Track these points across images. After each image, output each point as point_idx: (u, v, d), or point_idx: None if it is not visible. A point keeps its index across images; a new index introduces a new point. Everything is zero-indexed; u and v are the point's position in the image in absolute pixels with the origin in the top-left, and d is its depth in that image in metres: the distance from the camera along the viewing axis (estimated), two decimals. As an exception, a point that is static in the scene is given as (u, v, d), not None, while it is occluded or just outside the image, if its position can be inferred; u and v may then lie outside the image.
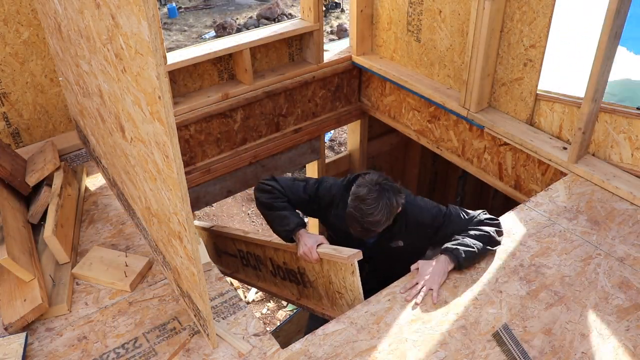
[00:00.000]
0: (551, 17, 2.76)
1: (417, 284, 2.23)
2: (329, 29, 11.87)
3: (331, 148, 7.80)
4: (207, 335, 1.99)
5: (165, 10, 12.84)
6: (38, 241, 2.44)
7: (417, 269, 2.30)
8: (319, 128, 4.13)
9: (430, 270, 2.25)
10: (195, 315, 2.04)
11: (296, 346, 2.02)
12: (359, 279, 2.25)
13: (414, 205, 2.41)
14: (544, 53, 2.86)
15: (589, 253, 2.40)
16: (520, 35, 2.92)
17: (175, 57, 3.29)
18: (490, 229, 2.34)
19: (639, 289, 2.22)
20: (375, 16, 3.80)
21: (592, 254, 2.39)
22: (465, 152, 3.53)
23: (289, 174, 7.07)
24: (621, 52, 2.90)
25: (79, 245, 2.51)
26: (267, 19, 12.43)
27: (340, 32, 11.51)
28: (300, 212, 2.57)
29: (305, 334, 2.14)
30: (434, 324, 2.09)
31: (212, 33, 11.95)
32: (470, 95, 3.20)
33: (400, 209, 2.31)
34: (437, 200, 2.59)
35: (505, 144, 3.19)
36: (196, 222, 4.42)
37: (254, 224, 6.73)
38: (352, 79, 4.12)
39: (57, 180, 2.60)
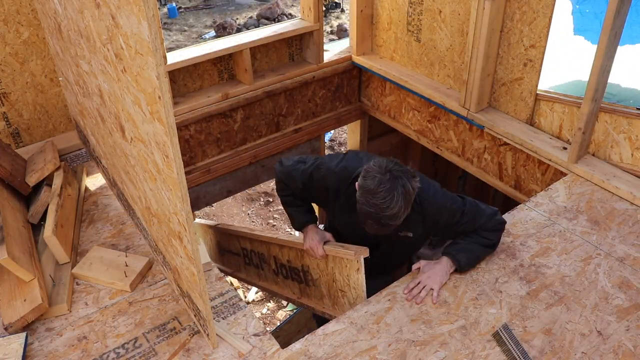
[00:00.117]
0: (551, 17, 2.76)
1: (419, 283, 2.23)
2: (329, 29, 11.88)
3: (331, 148, 7.80)
4: (207, 335, 1.99)
5: (165, 10, 12.84)
6: (38, 241, 2.44)
7: (419, 268, 2.30)
8: (319, 128, 4.13)
9: (432, 270, 2.25)
10: (195, 315, 2.04)
11: (296, 346, 2.02)
12: (364, 276, 2.25)
13: (433, 202, 2.21)
14: (544, 53, 2.86)
15: (589, 253, 2.40)
16: (520, 35, 2.92)
17: (175, 57, 3.29)
18: (498, 236, 2.32)
19: (639, 289, 2.22)
20: (375, 16, 3.80)
21: (592, 254, 2.39)
22: (465, 152, 3.53)
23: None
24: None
25: (79, 245, 2.51)
26: (267, 19, 12.43)
27: (340, 32, 11.51)
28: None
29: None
30: (434, 324, 2.09)
31: (212, 33, 11.96)
32: (470, 95, 3.20)
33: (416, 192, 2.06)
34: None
35: (505, 144, 3.19)
36: (201, 220, 4.44)
37: (254, 223, 6.73)
38: (352, 79, 4.12)
39: (57, 180, 2.60)
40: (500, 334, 2.04)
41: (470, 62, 3.10)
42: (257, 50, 3.62)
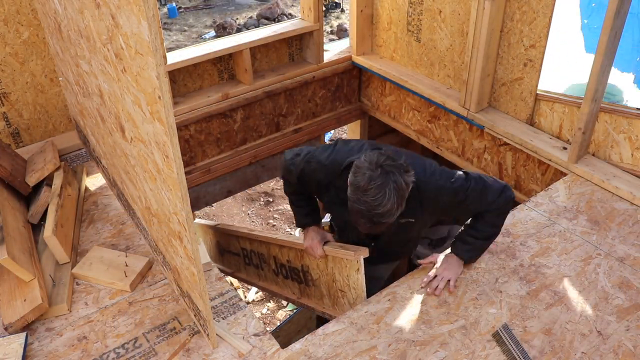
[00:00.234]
0: (551, 17, 2.76)
1: (436, 275, 2.24)
2: (329, 29, 11.87)
3: (331, 148, 7.78)
4: (207, 335, 1.99)
5: (165, 10, 12.83)
6: (38, 241, 2.44)
7: (432, 262, 2.32)
8: (319, 128, 4.13)
9: (447, 262, 2.27)
10: (195, 315, 2.04)
11: (296, 346, 2.02)
12: (364, 276, 2.25)
13: (430, 183, 2.07)
14: (544, 53, 2.87)
15: (589, 253, 2.40)
16: (520, 35, 2.92)
17: (175, 57, 3.29)
18: (504, 221, 2.25)
19: (639, 289, 2.22)
20: (375, 16, 3.80)
21: (592, 254, 2.39)
22: (465, 152, 3.52)
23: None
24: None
25: (79, 245, 2.51)
26: (267, 19, 12.43)
27: (340, 32, 11.51)
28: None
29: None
30: (434, 324, 2.09)
31: (212, 33, 11.95)
32: (470, 95, 3.20)
33: (410, 187, 1.94)
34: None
35: (505, 144, 3.19)
36: (201, 221, 4.44)
37: (254, 223, 6.73)
38: (352, 79, 4.12)
39: (57, 180, 2.60)
40: (500, 334, 2.04)
41: (470, 62, 3.10)
42: (257, 50, 3.62)
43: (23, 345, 1.97)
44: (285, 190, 2.51)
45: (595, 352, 1.97)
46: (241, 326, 2.11)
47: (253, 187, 5.44)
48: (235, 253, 3.40)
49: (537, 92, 3.00)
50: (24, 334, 2.02)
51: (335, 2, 13.12)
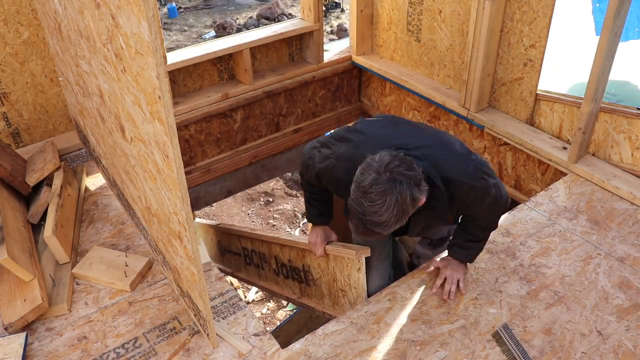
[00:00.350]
0: (551, 17, 2.75)
1: (446, 278, 2.22)
2: (329, 29, 11.87)
3: (331, 148, 7.78)
4: (207, 335, 1.99)
5: (165, 10, 12.83)
6: (38, 241, 2.44)
7: (438, 267, 2.28)
8: (319, 128, 4.12)
9: (452, 264, 2.24)
10: (195, 315, 2.04)
11: (296, 346, 2.02)
12: (365, 276, 2.25)
13: (461, 182, 1.88)
14: (544, 53, 2.87)
15: (589, 253, 2.40)
16: (520, 35, 2.92)
17: (175, 57, 3.29)
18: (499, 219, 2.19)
19: (639, 289, 2.22)
20: (375, 16, 3.80)
21: (592, 254, 2.39)
22: (465, 152, 3.52)
23: (289, 174, 7.08)
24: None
25: (79, 245, 2.51)
26: (267, 19, 12.42)
27: (340, 32, 11.50)
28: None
29: None
30: (434, 324, 2.09)
31: (212, 33, 11.95)
32: (470, 95, 3.20)
33: (423, 200, 1.78)
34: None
35: (505, 143, 3.19)
36: (203, 220, 4.45)
37: (254, 223, 6.73)
38: (352, 79, 4.12)
39: (57, 180, 2.60)
40: (500, 334, 2.04)
41: (470, 62, 3.10)
42: (257, 50, 3.62)
43: (23, 345, 1.97)
44: (301, 183, 2.38)
45: (595, 352, 1.97)
46: (241, 326, 2.11)
47: (253, 187, 5.45)
48: (236, 253, 3.40)
49: (537, 92, 3.00)
50: (24, 333, 2.02)
51: (335, 2, 13.12)
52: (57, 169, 2.70)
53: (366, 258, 2.26)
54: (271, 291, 3.15)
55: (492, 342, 2.02)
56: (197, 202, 3.77)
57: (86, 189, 2.86)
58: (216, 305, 2.20)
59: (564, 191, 2.77)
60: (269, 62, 3.75)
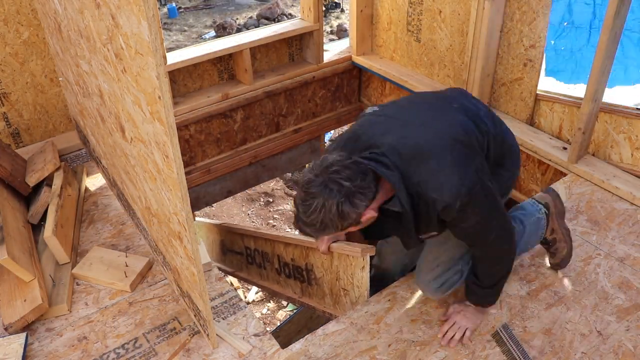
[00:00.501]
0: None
1: (454, 323, 2.04)
2: (329, 29, 11.87)
3: (331, 148, 7.78)
4: (207, 335, 1.99)
5: (165, 10, 12.83)
6: (38, 241, 2.44)
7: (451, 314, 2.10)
8: (319, 128, 4.13)
9: (467, 309, 2.06)
10: (195, 316, 2.04)
11: (296, 346, 2.02)
12: (368, 274, 2.25)
13: (430, 198, 1.69)
14: (543, 53, 2.87)
15: (589, 253, 2.40)
16: (520, 35, 2.93)
17: (175, 57, 3.29)
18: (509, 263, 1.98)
19: (639, 289, 2.22)
20: (375, 16, 3.80)
21: (592, 254, 2.39)
22: (465, 152, 3.52)
23: (289, 174, 7.08)
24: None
25: (79, 245, 2.51)
26: (267, 19, 12.42)
27: (340, 32, 11.50)
28: None
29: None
30: (434, 324, 2.09)
31: (212, 33, 11.95)
32: (470, 95, 3.20)
33: (362, 215, 1.64)
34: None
35: (505, 144, 3.18)
36: (206, 220, 4.45)
37: (254, 223, 6.73)
38: (352, 79, 4.12)
39: (57, 181, 2.60)
40: (500, 334, 2.04)
41: (470, 62, 3.10)
42: (257, 50, 3.62)
43: (23, 346, 1.97)
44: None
45: (595, 352, 1.97)
46: (241, 326, 2.11)
47: (253, 187, 5.45)
48: (238, 252, 3.40)
49: (537, 92, 3.00)
50: (24, 334, 2.02)
51: (335, 2, 13.11)
52: (57, 169, 2.70)
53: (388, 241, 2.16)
54: (272, 291, 3.14)
55: (492, 342, 2.02)
56: (197, 202, 3.77)
57: (86, 189, 2.86)
58: (216, 305, 2.20)
59: (563, 191, 2.77)
60: (269, 62, 3.75)
